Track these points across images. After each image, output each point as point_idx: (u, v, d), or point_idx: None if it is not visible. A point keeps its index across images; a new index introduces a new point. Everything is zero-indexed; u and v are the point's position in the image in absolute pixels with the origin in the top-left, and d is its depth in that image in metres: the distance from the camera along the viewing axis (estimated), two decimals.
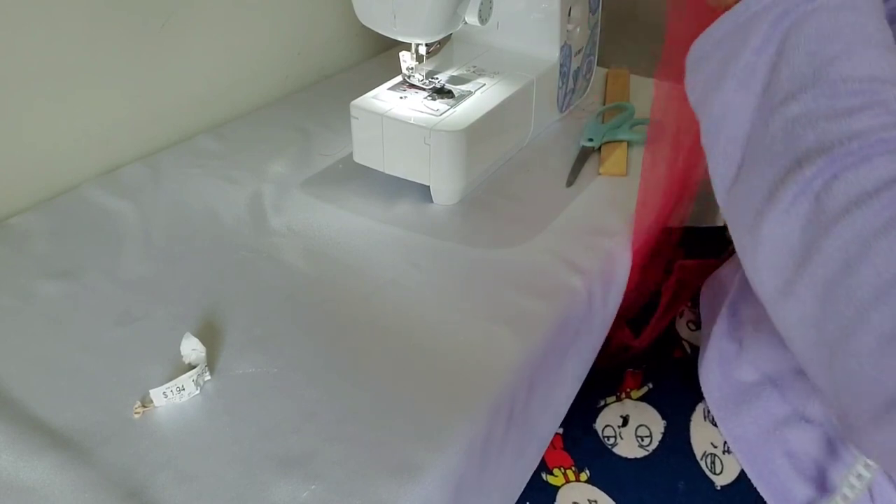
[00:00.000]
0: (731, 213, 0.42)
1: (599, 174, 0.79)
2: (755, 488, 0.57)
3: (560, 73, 0.84)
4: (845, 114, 0.36)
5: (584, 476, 0.64)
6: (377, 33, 0.70)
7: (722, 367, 0.60)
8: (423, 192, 0.74)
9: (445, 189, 0.73)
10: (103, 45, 0.76)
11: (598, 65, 0.95)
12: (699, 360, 0.63)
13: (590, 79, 0.94)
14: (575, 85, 0.89)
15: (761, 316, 0.44)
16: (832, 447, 0.54)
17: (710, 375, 0.61)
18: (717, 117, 0.42)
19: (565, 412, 0.64)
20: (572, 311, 0.62)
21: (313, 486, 0.46)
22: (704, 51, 0.43)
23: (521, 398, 0.57)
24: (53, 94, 0.73)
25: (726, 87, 0.41)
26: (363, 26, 0.70)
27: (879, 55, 0.38)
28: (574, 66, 0.87)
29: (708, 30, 0.43)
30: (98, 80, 0.77)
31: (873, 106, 0.36)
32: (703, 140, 0.44)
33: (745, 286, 0.60)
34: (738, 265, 0.61)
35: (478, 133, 0.71)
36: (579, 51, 0.87)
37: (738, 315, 0.61)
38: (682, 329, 0.73)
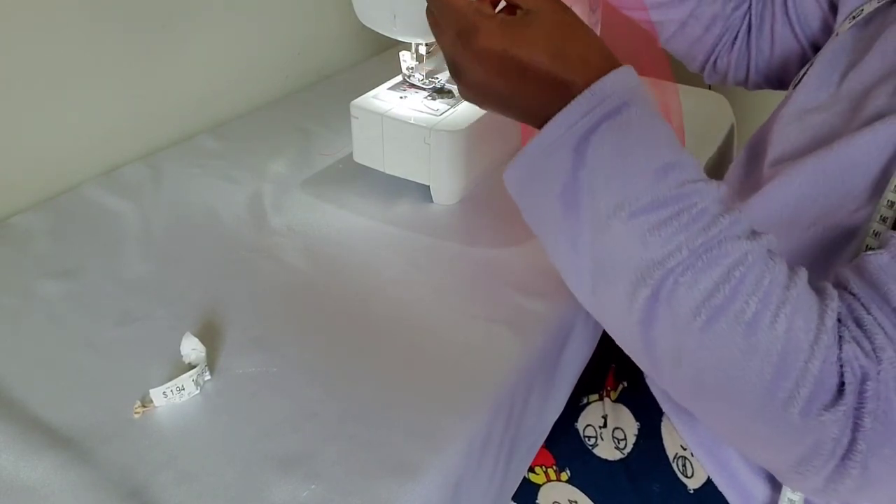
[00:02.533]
0: (599, 317, 0.46)
1: None
2: None
3: None
4: (662, 225, 0.40)
5: (564, 476, 0.64)
6: (377, 33, 0.70)
7: None
8: (423, 191, 0.74)
9: (445, 189, 0.73)
10: (104, 45, 0.76)
11: None
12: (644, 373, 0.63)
13: None
14: None
15: None
16: None
17: (657, 388, 0.61)
18: (554, 240, 0.45)
19: (560, 410, 0.64)
20: (572, 311, 0.62)
21: (313, 486, 0.46)
22: (520, 179, 0.46)
23: (521, 398, 0.57)
24: (53, 94, 0.73)
25: (554, 211, 0.44)
26: (363, 26, 0.70)
27: (673, 152, 0.42)
28: None
29: (517, 160, 0.45)
30: (98, 80, 0.77)
31: (683, 212, 0.40)
32: (550, 257, 0.47)
33: None
34: None
35: (478, 133, 0.71)
36: None
37: None
38: None
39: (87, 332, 0.58)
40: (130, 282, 0.63)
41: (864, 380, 0.38)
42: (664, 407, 0.60)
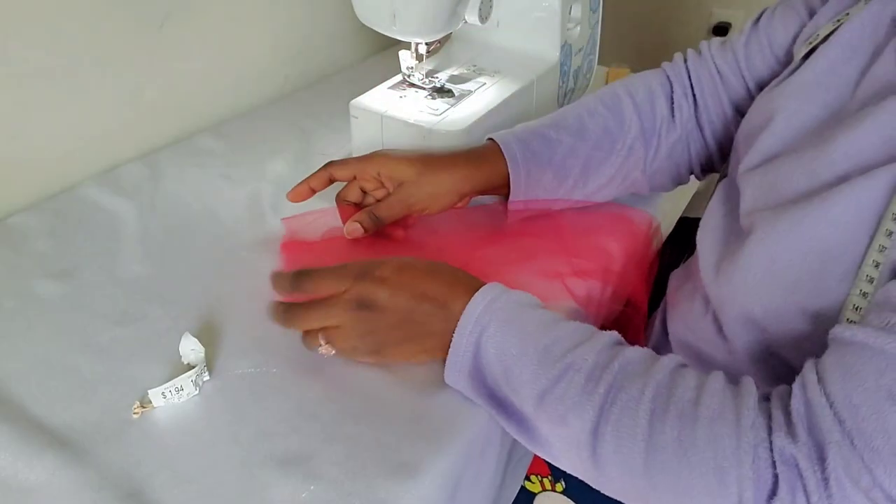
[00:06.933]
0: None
1: None
2: None
3: (560, 71, 0.84)
4: (554, 382, 0.46)
5: (559, 487, 0.64)
6: (377, 32, 0.70)
7: None
8: None
9: None
10: (102, 44, 0.75)
11: (598, 64, 0.94)
12: None
13: (590, 78, 0.94)
14: (575, 84, 0.89)
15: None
16: None
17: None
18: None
19: None
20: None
21: (313, 487, 0.46)
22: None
23: None
24: (53, 94, 0.73)
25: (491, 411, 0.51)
26: (363, 26, 0.70)
27: (557, 329, 0.48)
28: (574, 64, 0.87)
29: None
30: (97, 80, 0.76)
31: (568, 370, 0.46)
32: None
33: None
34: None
35: (478, 133, 0.71)
36: (580, 50, 0.87)
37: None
38: None
39: (86, 332, 0.58)
40: (129, 282, 0.63)
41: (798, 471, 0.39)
42: None
